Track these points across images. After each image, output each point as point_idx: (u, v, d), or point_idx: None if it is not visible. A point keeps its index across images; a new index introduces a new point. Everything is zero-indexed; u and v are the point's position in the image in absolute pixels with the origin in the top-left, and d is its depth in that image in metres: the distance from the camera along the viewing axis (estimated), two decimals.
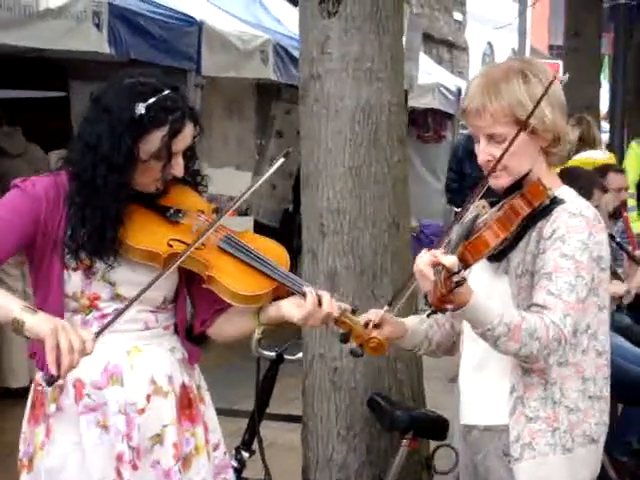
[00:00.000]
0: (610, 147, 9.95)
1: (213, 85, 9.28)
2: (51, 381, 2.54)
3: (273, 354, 4.12)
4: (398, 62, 4.12)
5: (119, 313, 2.70)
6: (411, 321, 3.00)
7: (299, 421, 4.37)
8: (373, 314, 2.86)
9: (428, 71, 13.08)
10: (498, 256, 2.73)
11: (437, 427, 3.86)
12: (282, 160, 2.86)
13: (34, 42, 6.77)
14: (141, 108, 2.73)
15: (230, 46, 8.73)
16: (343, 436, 4.11)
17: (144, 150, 2.76)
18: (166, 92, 2.78)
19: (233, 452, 4.02)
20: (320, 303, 2.80)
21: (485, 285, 2.78)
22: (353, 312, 2.87)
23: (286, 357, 4.21)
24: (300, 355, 4.27)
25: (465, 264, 2.57)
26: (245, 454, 4.04)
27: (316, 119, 4.08)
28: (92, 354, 2.68)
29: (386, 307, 2.85)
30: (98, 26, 7.11)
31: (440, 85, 12.45)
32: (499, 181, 2.79)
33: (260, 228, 9.29)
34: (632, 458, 5.35)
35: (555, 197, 2.74)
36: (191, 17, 8.32)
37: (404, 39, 11.28)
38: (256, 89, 10.72)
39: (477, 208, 2.82)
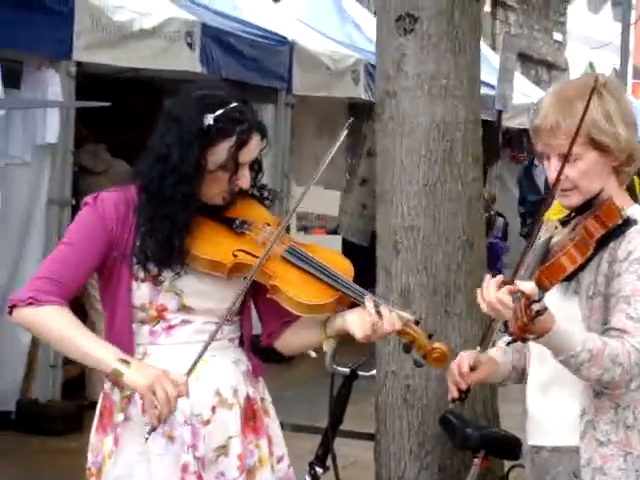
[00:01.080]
0: None
1: (304, 104, 9.38)
2: (153, 430, 2.68)
3: (347, 370, 4.12)
4: (474, 80, 4.12)
5: (207, 343, 2.76)
6: (496, 354, 2.95)
7: (373, 439, 4.37)
8: (467, 357, 2.82)
9: (524, 91, 13.00)
10: (569, 276, 2.68)
11: (510, 447, 3.81)
12: (345, 131, 2.89)
13: (128, 62, 6.94)
14: (209, 119, 2.78)
15: (321, 65, 8.83)
16: (415, 454, 4.11)
17: (211, 161, 2.80)
18: (234, 104, 2.82)
19: (307, 468, 4.04)
20: (381, 318, 2.80)
21: (555, 306, 2.74)
22: (416, 323, 2.87)
23: (360, 373, 4.22)
24: (374, 372, 4.27)
25: (542, 289, 2.53)
26: (319, 470, 4.04)
27: (391, 136, 4.10)
28: (159, 366, 2.76)
29: (478, 348, 2.83)
30: (191, 46, 7.27)
31: (536, 105, 12.36)
32: (570, 200, 2.76)
33: (349, 248, 9.33)
34: None
35: (628, 217, 2.69)
36: (283, 37, 8.44)
37: (498, 59, 11.25)
38: (348, 108, 10.79)
39: (550, 229, 2.78)
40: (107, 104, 4.70)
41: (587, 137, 2.69)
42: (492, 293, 2.52)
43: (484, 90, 11.72)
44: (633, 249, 2.64)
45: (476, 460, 3.81)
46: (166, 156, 2.80)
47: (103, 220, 2.83)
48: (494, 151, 11.45)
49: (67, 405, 6.46)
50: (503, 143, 11.68)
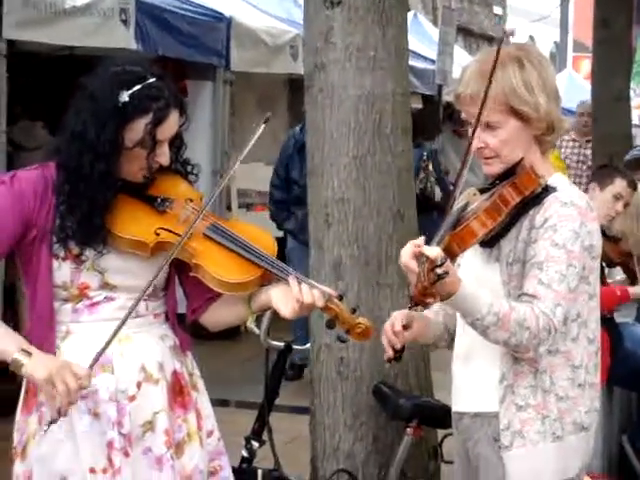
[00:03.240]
0: None
1: (243, 81, 9.33)
2: (53, 422, 2.67)
3: (282, 344, 4.14)
4: (402, 52, 4.12)
5: (115, 331, 2.74)
6: (429, 314, 2.96)
7: (307, 412, 4.39)
8: (399, 316, 2.81)
9: (466, 64, 13.00)
10: (490, 242, 2.72)
11: (441, 416, 3.83)
12: (263, 126, 2.87)
13: (61, 40, 6.87)
14: (125, 96, 2.75)
15: (259, 42, 8.78)
16: (349, 425, 4.12)
17: (129, 138, 2.78)
18: (151, 80, 2.79)
19: (243, 442, 4.05)
20: (302, 293, 2.80)
21: (477, 271, 2.78)
22: (340, 298, 2.87)
23: (294, 347, 4.24)
24: (308, 345, 4.29)
25: (452, 255, 2.57)
26: (255, 444, 4.06)
27: (320, 109, 4.09)
28: (83, 343, 2.77)
29: (408, 306, 2.80)
30: (125, 22, 7.18)
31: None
32: (491, 168, 2.79)
33: None
34: None
35: (547, 185, 2.72)
36: (219, 13, 8.37)
37: (437, 33, 11.25)
38: (288, 84, 10.76)
39: (467, 196, 2.80)
40: None
41: (507, 106, 2.71)
42: (405, 256, 2.55)
43: (424, 64, 11.81)
44: (549, 216, 2.67)
45: (409, 430, 3.85)
46: (82, 134, 2.78)
47: (19, 198, 2.80)
48: (435, 125, 11.48)
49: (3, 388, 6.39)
50: (444, 117, 11.69)
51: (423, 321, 2.90)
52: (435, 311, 2.97)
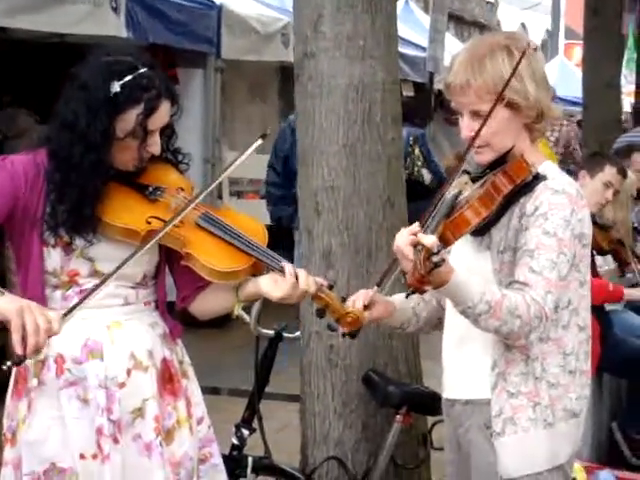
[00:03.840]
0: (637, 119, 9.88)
1: (235, 68, 9.32)
2: (17, 361, 2.57)
3: (272, 332, 4.14)
4: (392, 41, 4.12)
5: (87, 294, 2.73)
6: (398, 299, 2.98)
7: (298, 400, 4.40)
8: (362, 295, 2.85)
9: (456, 53, 12.99)
10: (481, 231, 2.72)
11: (431, 402, 3.84)
12: (259, 141, 2.89)
13: (51, 27, 6.86)
14: (116, 86, 2.76)
15: (250, 29, 8.78)
16: (339, 413, 4.13)
17: (120, 128, 2.78)
18: (142, 70, 2.80)
19: (234, 429, 4.06)
20: (297, 281, 2.82)
21: (468, 260, 2.79)
22: (330, 287, 2.89)
23: (285, 335, 4.24)
24: (299, 333, 4.29)
25: (446, 243, 2.58)
26: (245, 432, 4.06)
27: (310, 98, 4.09)
28: (73, 329, 2.75)
29: (375, 287, 2.84)
30: (116, 10, 7.17)
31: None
32: (482, 157, 2.79)
33: None
34: None
35: (538, 173, 2.73)
36: (210, 0, 8.36)
37: (428, 21, 11.22)
38: (279, 71, 10.75)
39: (459, 184, 2.80)
40: None
41: (497, 95, 2.71)
42: (402, 243, 2.55)
43: (416, 52, 11.81)
44: (540, 204, 2.68)
45: (398, 417, 3.86)
46: (73, 123, 2.78)
47: (10, 177, 2.80)
48: (427, 113, 11.48)
49: None
50: (435, 105, 11.69)
51: (386, 305, 2.92)
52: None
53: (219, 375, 6.62)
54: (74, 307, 2.69)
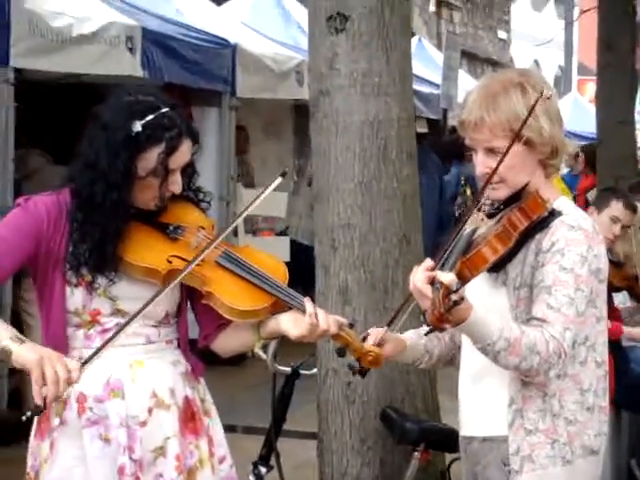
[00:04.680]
0: None
1: (250, 107, 9.38)
2: (37, 412, 2.58)
3: (289, 369, 4.14)
4: (406, 78, 4.16)
5: (108, 340, 2.74)
6: (410, 336, 2.98)
7: (316, 437, 4.39)
8: (373, 334, 2.85)
9: (470, 90, 13.03)
10: (497, 267, 2.72)
11: (449, 439, 3.84)
12: (280, 179, 2.92)
13: (68, 67, 6.90)
14: (138, 126, 2.79)
15: (264, 67, 8.83)
16: (357, 450, 4.13)
17: (141, 167, 2.81)
18: (163, 110, 2.83)
19: (251, 467, 4.05)
20: (317, 320, 2.83)
21: (483, 296, 2.78)
22: (350, 326, 2.90)
23: (302, 372, 4.24)
24: (315, 370, 4.29)
25: (463, 280, 2.57)
26: (263, 469, 4.05)
27: (325, 135, 4.13)
28: (94, 368, 2.76)
29: (385, 327, 2.85)
30: (132, 50, 7.23)
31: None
32: (498, 193, 2.79)
33: (299, 249, 9.35)
34: None
35: (553, 209, 2.73)
36: (225, 39, 8.42)
37: (442, 58, 11.29)
38: (293, 109, 10.81)
39: (475, 221, 2.81)
40: None
41: (511, 131, 2.72)
42: (419, 281, 2.55)
43: (429, 89, 11.86)
44: (556, 240, 2.68)
45: (416, 454, 3.85)
46: (95, 163, 2.81)
47: (33, 219, 2.83)
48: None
49: (12, 415, 6.41)
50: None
51: (397, 343, 2.92)
52: (419, 333, 2.97)
53: (235, 413, 6.61)
54: (94, 355, 2.70)
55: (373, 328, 2.89)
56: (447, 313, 2.44)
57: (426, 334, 2.71)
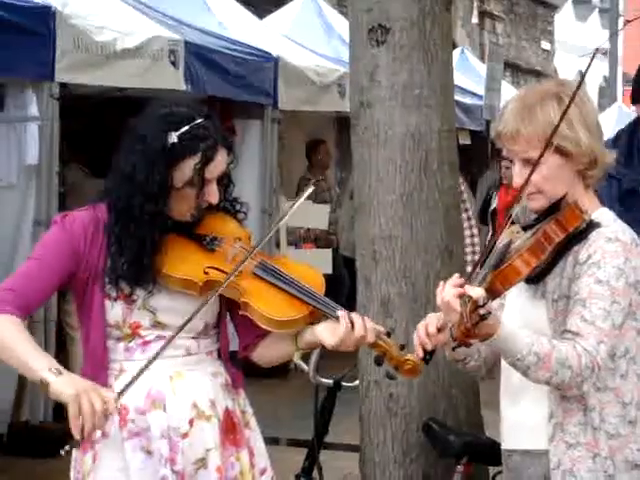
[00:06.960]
0: None
1: (293, 119, 9.41)
2: (75, 445, 2.64)
3: (331, 382, 4.13)
4: (448, 89, 4.15)
5: (146, 365, 2.75)
6: None
7: (358, 450, 4.38)
8: (435, 319, 2.71)
9: (507, 101, 12.97)
10: (536, 279, 2.71)
11: (492, 452, 3.79)
12: (312, 189, 2.93)
13: (112, 81, 6.98)
14: (173, 137, 2.80)
15: (306, 80, 8.87)
16: (399, 462, 4.11)
17: (177, 178, 2.82)
18: (198, 120, 2.84)
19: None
20: (353, 327, 2.83)
21: (524, 309, 2.77)
22: (388, 335, 2.89)
23: (344, 384, 4.23)
24: (357, 382, 4.28)
25: (495, 294, 2.56)
26: None
27: (366, 147, 4.13)
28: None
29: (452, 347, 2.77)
30: (174, 64, 7.28)
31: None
32: (535, 204, 2.78)
33: (349, 263, 9.34)
34: None
35: (592, 220, 2.71)
36: (267, 52, 8.47)
37: (485, 69, 11.24)
38: (335, 122, 10.83)
39: (510, 234, 2.78)
40: None
41: (547, 142, 2.71)
42: (447, 295, 2.54)
43: (472, 100, 11.83)
44: (593, 252, 2.66)
45: (459, 467, 3.83)
46: (131, 175, 2.82)
47: (70, 238, 2.86)
48: (483, 161, 11.48)
49: (58, 427, 6.46)
50: (492, 153, 11.69)
51: None
52: None
53: (278, 425, 6.61)
54: (130, 384, 2.72)
55: (432, 313, 2.75)
56: (474, 327, 2.42)
57: (453, 349, 2.68)
